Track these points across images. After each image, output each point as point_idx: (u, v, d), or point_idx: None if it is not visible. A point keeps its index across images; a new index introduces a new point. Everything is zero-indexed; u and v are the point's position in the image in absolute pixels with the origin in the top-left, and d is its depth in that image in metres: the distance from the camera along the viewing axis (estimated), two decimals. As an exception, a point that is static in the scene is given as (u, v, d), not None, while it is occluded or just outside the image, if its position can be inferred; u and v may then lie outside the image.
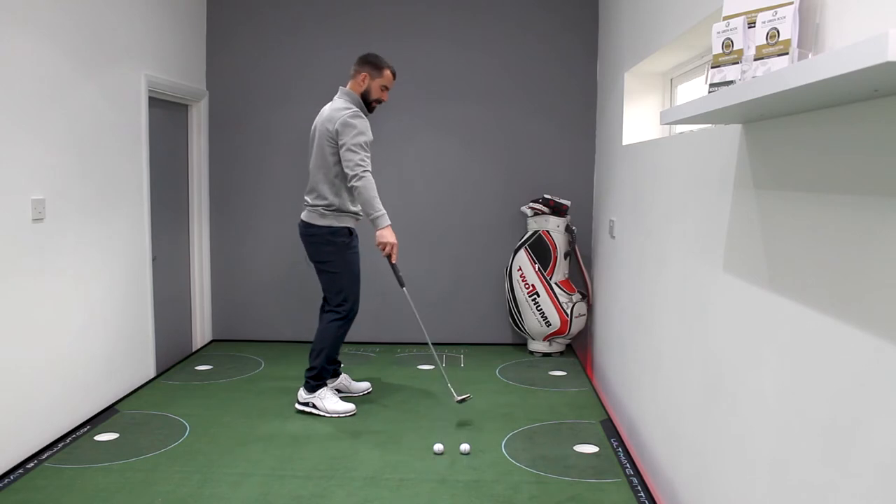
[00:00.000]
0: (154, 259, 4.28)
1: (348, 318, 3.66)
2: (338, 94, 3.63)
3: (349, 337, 5.10)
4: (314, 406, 3.60)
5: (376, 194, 3.47)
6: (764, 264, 1.87)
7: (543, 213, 4.66)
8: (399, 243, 5.03)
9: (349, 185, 3.48)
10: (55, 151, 3.24)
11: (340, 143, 3.45)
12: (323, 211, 3.55)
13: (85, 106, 3.48)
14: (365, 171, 3.44)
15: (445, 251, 5.05)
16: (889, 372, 1.30)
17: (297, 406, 3.64)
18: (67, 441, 3.21)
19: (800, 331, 1.66)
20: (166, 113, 4.53)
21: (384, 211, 3.49)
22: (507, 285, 4.77)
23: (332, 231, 3.56)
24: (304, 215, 3.63)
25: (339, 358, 3.93)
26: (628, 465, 2.98)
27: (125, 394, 3.89)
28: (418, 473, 2.92)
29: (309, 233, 3.60)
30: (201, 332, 5.02)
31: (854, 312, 1.43)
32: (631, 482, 2.82)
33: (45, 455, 3.06)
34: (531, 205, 4.70)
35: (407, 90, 4.94)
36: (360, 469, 2.96)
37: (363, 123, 3.48)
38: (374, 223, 3.49)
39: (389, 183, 5.00)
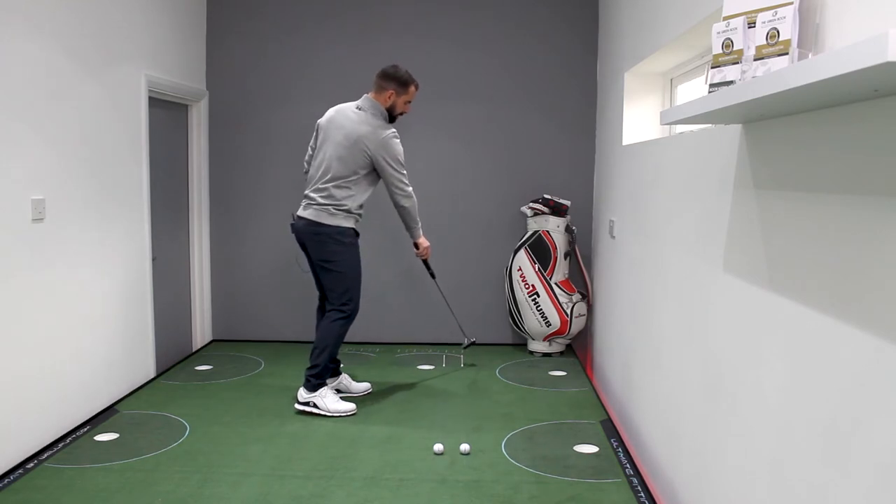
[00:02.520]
0: (154, 259, 4.28)
1: (351, 316, 3.69)
2: (363, 101, 3.67)
3: (349, 337, 5.09)
4: (315, 405, 3.58)
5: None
6: (764, 264, 1.87)
7: (543, 213, 4.66)
8: (399, 243, 5.04)
9: (399, 204, 3.69)
10: (55, 151, 3.24)
11: (381, 161, 3.58)
12: (333, 210, 3.58)
13: (85, 106, 3.48)
14: (410, 189, 3.70)
15: (446, 251, 5.05)
16: (889, 372, 1.30)
17: (297, 406, 3.62)
18: (67, 441, 3.21)
19: (800, 331, 1.66)
20: (166, 113, 4.53)
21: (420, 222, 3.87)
22: (507, 285, 4.77)
23: (341, 231, 3.60)
24: (308, 213, 3.61)
25: (339, 358, 3.94)
26: (628, 465, 2.98)
27: (125, 394, 3.89)
28: (418, 473, 2.91)
29: (316, 231, 3.59)
30: (201, 332, 5.02)
31: (854, 312, 1.43)
32: (631, 482, 2.82)
33: (45, 455, 3.06)
34: (531, 205, 4.70)
35: (407, 90, 4.94)
36: (360, 469, 2.96)
37: (399, 143, 3.65)
38: (413, 233, 3.83)
39: (389, 183, 5.00)
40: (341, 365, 3.96)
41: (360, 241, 3.75)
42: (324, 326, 3.66)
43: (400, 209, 3.72)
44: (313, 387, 3.60)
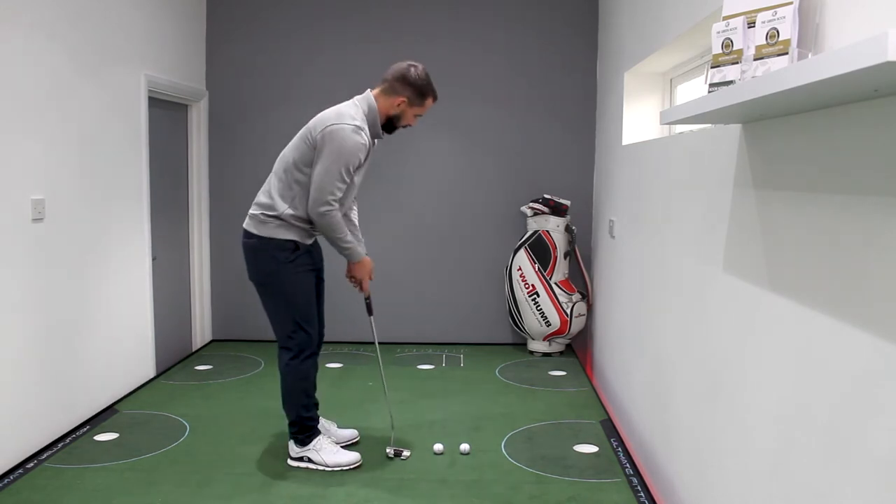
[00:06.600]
0: (154, 259, 4.28)
1: (299, 351, 2.91)
2: (359, 99, 2.92)
3: (349, 336, 5.10)
4: (310, 460, 2.95)
5: (343, 229, 2.84)
6: (764, 264, 1.87)
7: (543, 212, 4.66)
8: (398, 243, 5.03)
9: (309, 213, 2.82)
10: (55, 151, 3.24)
11: (319, 152, 2.77)
12: (263, 218, 2.87)
13: (85, 106, 3.48)
14: (330, 209, 2.77)
15: (445, 251, 5.05)
16: (889, 372, 1.30)
17: (290, 462, 2.98)
18: (67, 441, 3.21)
19: (800, 331, 1.66)
20: (166, 113, 4.53)
21: (354, 243, 2.92)
22: (506, 285, 4.77)
23: (277, 244, 2.87)
24: (245, 223, 2.96)
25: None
26: (628, 465, 2.98)
27: (125, 394, 3.89)
28: (418, 473, 2.91)
29: (245, 244, 2.94)
30: (201, 332, 5.02)
31: (854, 312, 1.43)
32: (631, 482, 2.82)
33: (45, 455, 3.06)
34: (531, 205, 4.70)
35: (407, 90, 4.94)
36: (360, 469, 2.96)
37: (358, 143, 2.76)
38: (346, 257, 2.97)
39: (389, 183, 5.00)
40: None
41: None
42: (280, 373, 2.97)
43: (315, 222, 2.83)
44: (302, 441, 2.97)
